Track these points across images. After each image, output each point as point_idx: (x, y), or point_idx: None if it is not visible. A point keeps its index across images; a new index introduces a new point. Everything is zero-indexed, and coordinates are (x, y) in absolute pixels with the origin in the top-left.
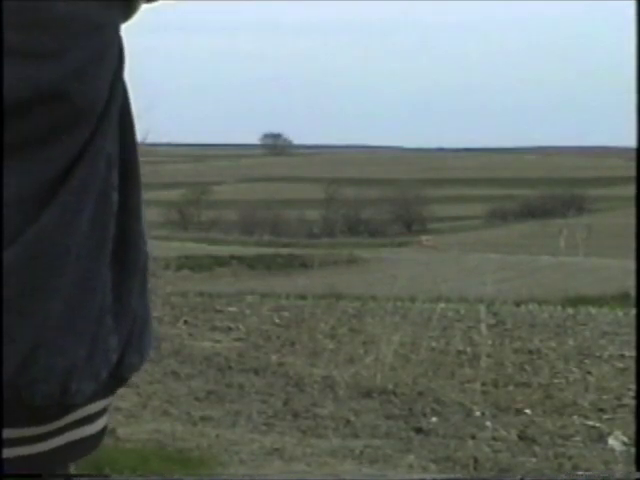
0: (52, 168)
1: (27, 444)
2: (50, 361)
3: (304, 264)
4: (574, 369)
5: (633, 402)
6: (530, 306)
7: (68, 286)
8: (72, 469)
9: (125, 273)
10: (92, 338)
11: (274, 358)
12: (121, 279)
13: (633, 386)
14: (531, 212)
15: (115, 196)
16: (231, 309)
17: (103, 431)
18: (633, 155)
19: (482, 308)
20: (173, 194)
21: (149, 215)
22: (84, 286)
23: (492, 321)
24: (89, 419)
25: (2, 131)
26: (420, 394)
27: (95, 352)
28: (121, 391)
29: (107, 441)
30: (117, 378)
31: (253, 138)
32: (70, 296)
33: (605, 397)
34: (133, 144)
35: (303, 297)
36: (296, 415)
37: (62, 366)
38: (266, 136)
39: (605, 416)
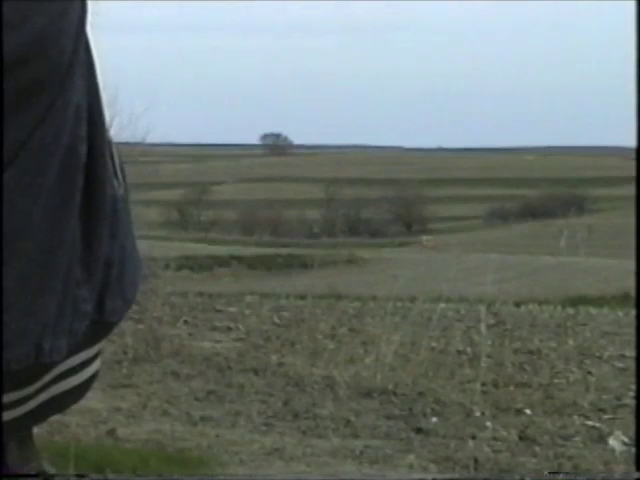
0: (21, 132)
1: (11, 408)
2: (20, 324)
3: (304, 264)
4: (574, 369)
5: (633, 402)
6: (530, 306)
7: (34, 246)
8: (72, 469)
9: (93, 221)
10: (61, 295)
11: (274, 358)
12: (89, 227)
13: (633, 386)
14: (531, 212)
15: (83, 149)
16: (231, 309)
17: (93, 377)
18: (633, 155)
19: (482, 308)
20: (173, 194)
21: (149, 215)
22: (51, 243)
23: (492, 321)
24: (73, 371)
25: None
26: (420, 394)
27: (65, 307)
28: (121, 391)
29: (107, 441)
30: (103, 324)
31: (253, 138)
32: (36, 256)
33: (605, 397)
34: (96, 86)
35: (303, 297)
36: (296, 415)
37: (33, 327)
38: (266, 136)
39: (605, 416)
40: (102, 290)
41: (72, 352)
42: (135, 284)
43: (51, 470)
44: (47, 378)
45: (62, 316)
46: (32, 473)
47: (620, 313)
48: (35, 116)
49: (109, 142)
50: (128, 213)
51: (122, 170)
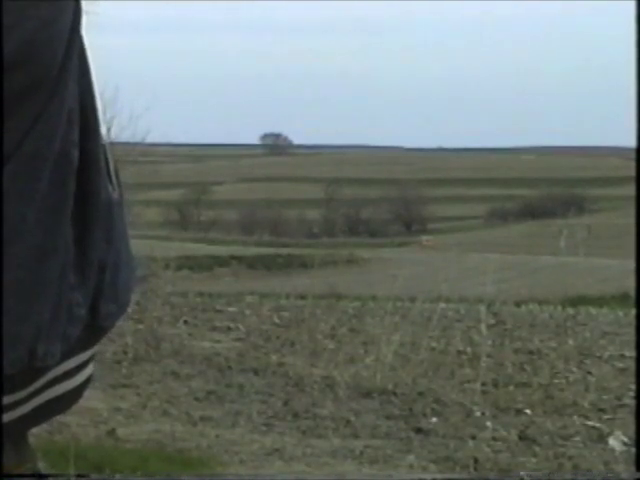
0: (13, 136)
1: (4, 412)
2: (14, 329)
3: (304, 264)
4: (574, 369)
5: (633, 402)
6: (530, 306)
7: (27, 251)
8: (72, 469)
9: (86, 225)
10: (55, 299)
11: (274, 358)
12: (83, 231)
13: (633, 386)
14: (531, 212)
15: (75, 153)
16: (231, 309)
17: (87, 381)
18: (633, 155)
19: (482, 308)
20: (173, 194)
21: (149, 215)
22: (45, 248)
23: (492, 321)
24: (68, 375)
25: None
26: (420, 394)
27: (59, 312)
28: (121, 391)
29: (107, 441)
30: (96, 328)
31: (253, 138)
32: (30, 261)
33: (605, 397)
34: (90, 90)
35: (303, 297)
36: (296, 415)
37: (27, 332)
38: (266, 136)
39: (605, 416)
40: (96, 294)
41: (66, 356)
42: (129, 289)
43: (45, 471)
44: (41, 382)
45: (56, 320)
46: (27, 473)
47: (620, 313)
48: (27, 121)
49: (104, 146)
50: (123, 218)
51: (117, 174)
